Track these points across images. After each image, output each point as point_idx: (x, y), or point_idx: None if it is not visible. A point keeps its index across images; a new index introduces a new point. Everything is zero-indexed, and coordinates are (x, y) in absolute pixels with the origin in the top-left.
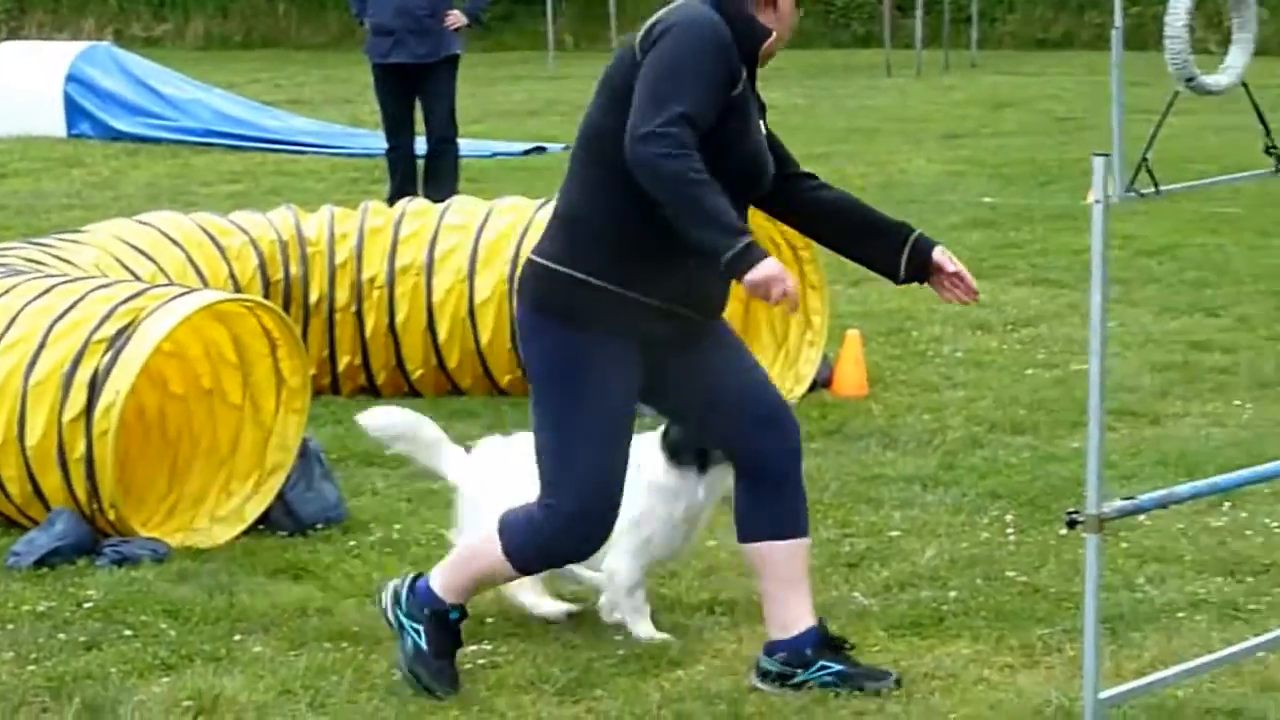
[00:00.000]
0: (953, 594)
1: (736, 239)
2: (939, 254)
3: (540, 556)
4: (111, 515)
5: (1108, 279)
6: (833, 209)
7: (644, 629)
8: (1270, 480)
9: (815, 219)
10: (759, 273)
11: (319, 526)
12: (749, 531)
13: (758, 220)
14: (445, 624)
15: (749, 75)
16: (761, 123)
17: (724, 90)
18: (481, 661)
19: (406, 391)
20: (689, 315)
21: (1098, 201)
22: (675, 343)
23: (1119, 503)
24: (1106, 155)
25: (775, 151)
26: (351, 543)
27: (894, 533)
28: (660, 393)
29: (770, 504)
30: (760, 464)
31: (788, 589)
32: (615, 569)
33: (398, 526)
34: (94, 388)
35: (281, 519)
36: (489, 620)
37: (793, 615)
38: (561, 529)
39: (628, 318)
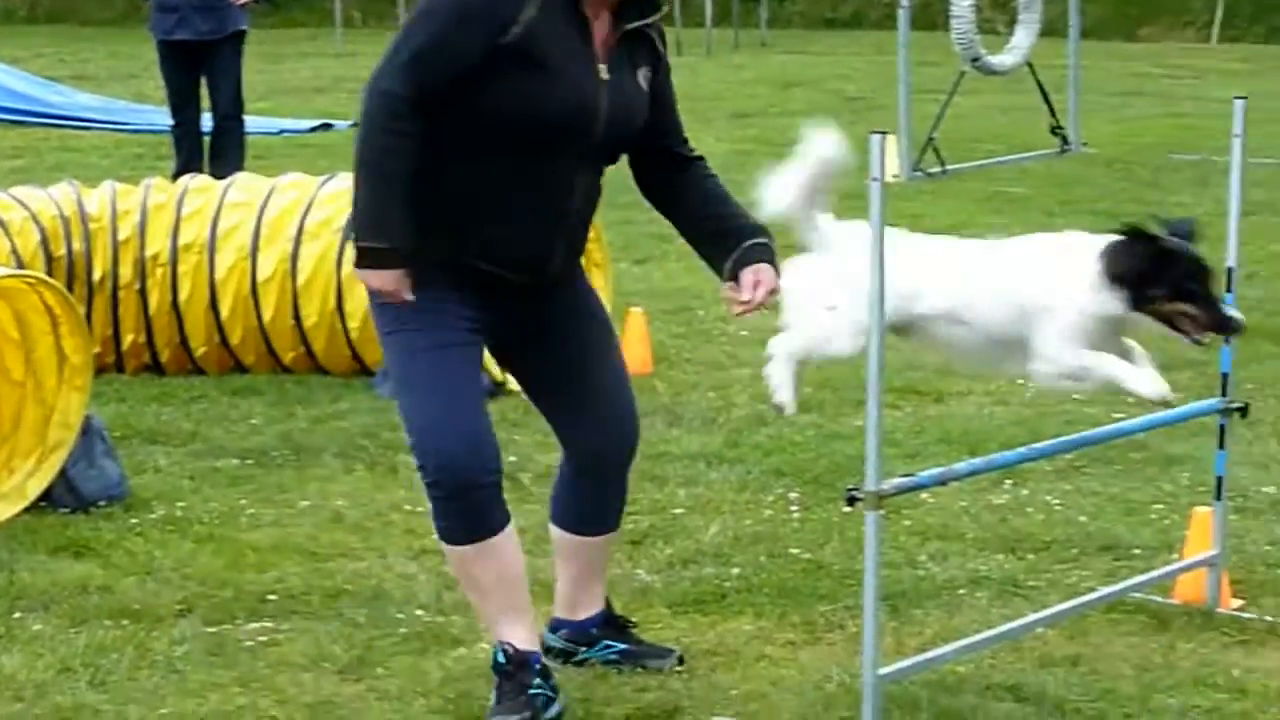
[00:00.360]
0: (736, 571)
1: (377, 240)
2: (746, 275)
3: (443, 524)
4: None
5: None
6: (697, 201)
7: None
8: (1050, 458)
9: (674, 205)
10: (368, 276)
11: (101, 504)
12: (566, 520)
13: None
14: (498, 669)
15: (580, 19)
16: (630, 76)
17: (483, 35)
18: (262, 639)
19: (190, 369)
20: (517, 278)
21: (874, 179)
22: (519, 307)
23: (898, 480)
24: (884, 133)
25: (657, 117)
26: (133, 520)
27: (678, 510)
28: (516, 363)
29: (595, 499)
30: (596, 461)
31: (588, 576)
32: (1050, 354)
33: (180, 504)
34: None
35: (63, 496)
36: (270, 598)
37: (585, 599)
38: (437, 491)
39: (450, 275)
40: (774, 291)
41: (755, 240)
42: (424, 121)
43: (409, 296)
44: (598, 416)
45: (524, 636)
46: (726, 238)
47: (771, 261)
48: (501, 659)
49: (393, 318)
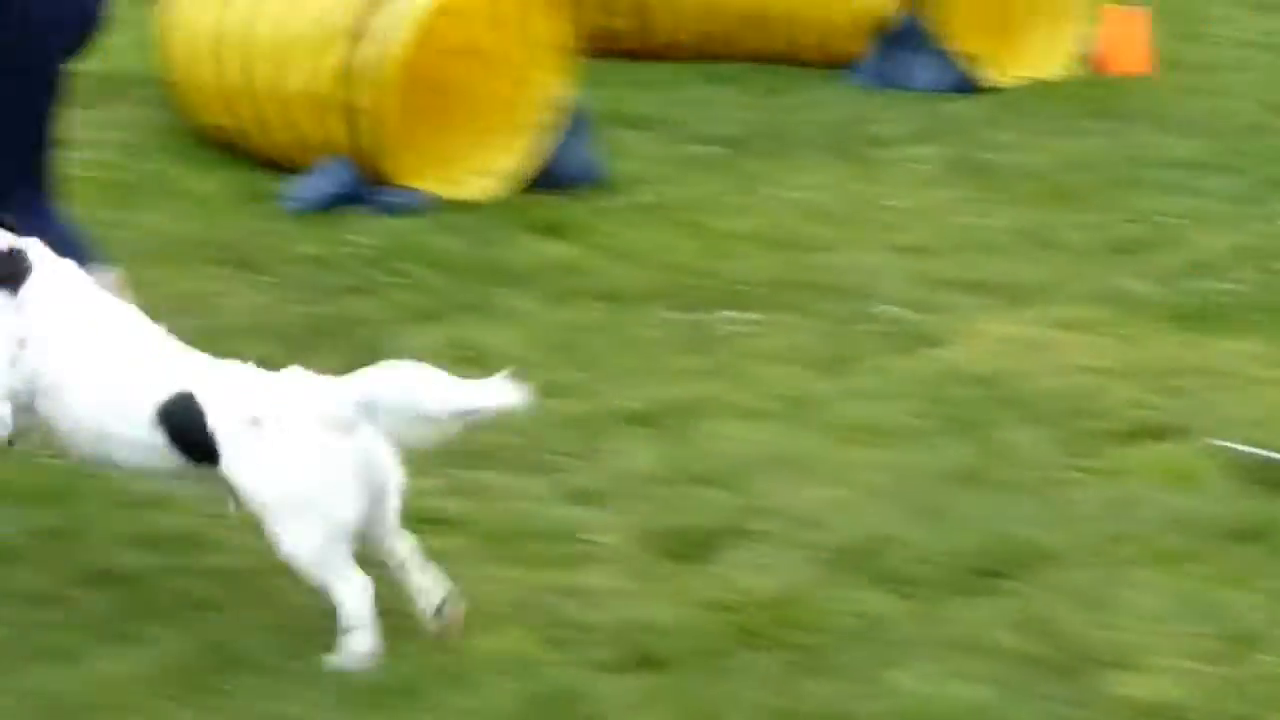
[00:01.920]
0: None
1: None
2: None
3: None
4: (385, 165)
5: None
6: None
7: None
8: None
9: None
10: None
11: (579, 185)
12: None
13: None
14: None
15: None
16: None
17: None
18: (739, 329)
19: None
20: None
21: None
22: None
23: None
24: None
25: None
26: (611, 204)
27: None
28: None
29: None
30: None
31: None
32: None
33: (658, 190)
34: (368, 40)
35: (542, 177)
36: (743, 287)
37: None
38: None
39: None
40: None
41: None
42: None
43: None
44: None
45: None
46: None
47: None
48: None
49: None
